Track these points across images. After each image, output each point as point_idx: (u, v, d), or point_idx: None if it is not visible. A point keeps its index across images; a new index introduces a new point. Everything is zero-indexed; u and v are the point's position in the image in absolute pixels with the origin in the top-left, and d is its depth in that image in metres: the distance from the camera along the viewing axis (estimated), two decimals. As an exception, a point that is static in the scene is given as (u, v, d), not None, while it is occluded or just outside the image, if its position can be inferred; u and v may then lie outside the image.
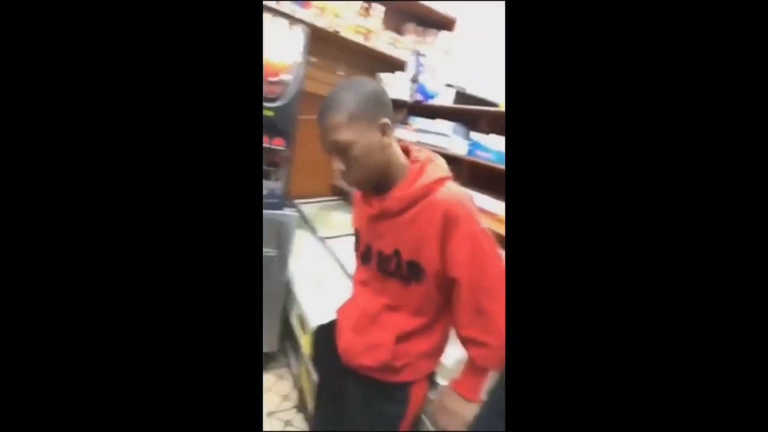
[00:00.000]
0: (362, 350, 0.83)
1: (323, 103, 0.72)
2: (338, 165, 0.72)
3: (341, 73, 1.94)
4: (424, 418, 0.93)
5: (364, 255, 0.86)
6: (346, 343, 0.86)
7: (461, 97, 1.58)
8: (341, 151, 0.70)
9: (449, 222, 0.71)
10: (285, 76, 1.36)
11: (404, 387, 0.83)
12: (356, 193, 0.91)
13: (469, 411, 0.78)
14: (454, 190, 0.74)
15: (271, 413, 1.48)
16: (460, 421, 0.79)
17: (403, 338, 0.80)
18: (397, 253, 0.78)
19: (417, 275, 0.77)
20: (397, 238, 0.78)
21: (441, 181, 0.75)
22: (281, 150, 1.45)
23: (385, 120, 0.72)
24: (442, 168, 0.78)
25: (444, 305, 0.81)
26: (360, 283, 0.90)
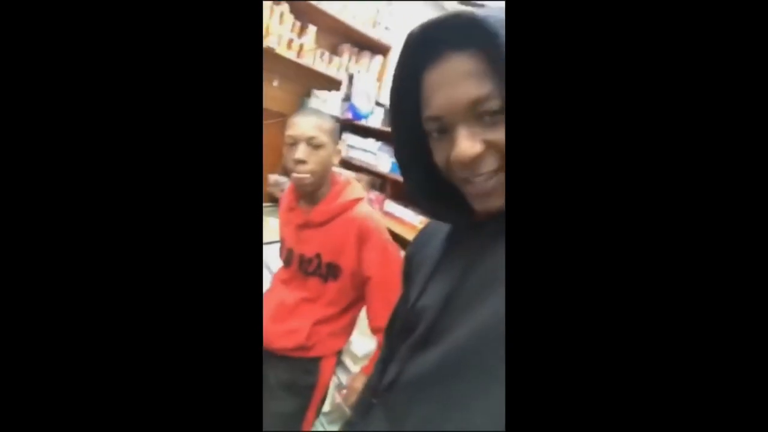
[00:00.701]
0: (280, 335, 0.97)
1: (307, 107, 0.91)
2: (300, 154, 0.86)
3: (276, 84, 2.00)
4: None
5: (287, 258, 1.01)
6: (264, 330, 0.99)
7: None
8: (314, 145, 0.87)
9: (362, 234, 0.91)
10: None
11: (315, 361, 1.00)
12: (281, 206, 1.06)
13: None
14: (366, 209, 0.94)
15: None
16: None
17: (316, 323, 0.97)
18: (318, 256, 0.95)
19: (335, 274, 0.95)
20: (319, 244, 0.95)
21: (356, 201, 0.94)
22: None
23: (340, 148, 0.95)
24: (358, 190, 0.98)
25: (354, 300, 1.00)
26: (280, 280, 1.05)
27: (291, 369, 0.99)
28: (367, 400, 0.52)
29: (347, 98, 1.79)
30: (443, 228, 0.48)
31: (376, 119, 1.80)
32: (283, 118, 2.10)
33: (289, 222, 1.00)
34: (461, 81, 0.35)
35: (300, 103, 2.10)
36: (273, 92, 2.00)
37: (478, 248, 0.39)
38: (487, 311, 0.35)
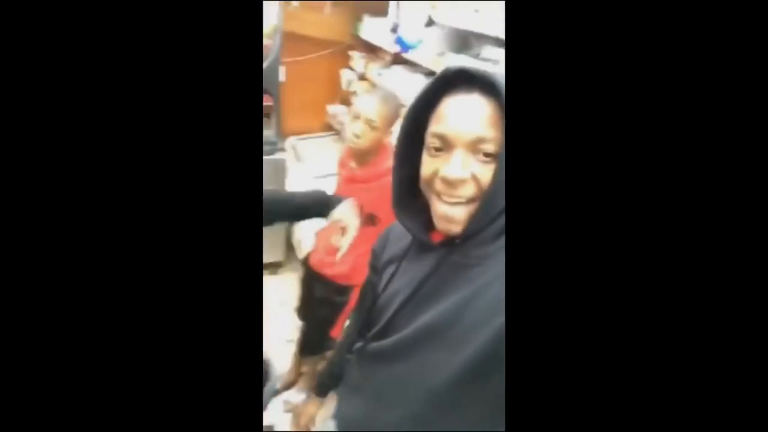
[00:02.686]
0: (328, 264, 1.26)
1: (370, 93, 1.06)
2: (357, 130, 1.05)
3: (327, 12, 1.95)
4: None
5: None
6: (319, 258, 1.30)
7: (449, 36, 1.57)
8: (372, 126, 1.04)
9: None
10: (265, 42, 1.48)
11: (349, 288, 1.29)
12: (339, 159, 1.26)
13: None
14: None
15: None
16: None
17: (356, 259, 1.21)
18: (360, 206, 1.14)
19: (373, 221, 1.15)
20: (362, 198, 1.14)
21: None
22: (269, 105, 1.64)
23: (393, 128, 1.07)
24: None
25: None
26: None
27: (329, 289, 1.31)
28: (342, 355, 0.69)
29: (395, 28, 1.69)
30: (407, 235, 0.54)
31: (427, 49, 1.69)
32: (338, 47, 2.08)
33: (340, 174, 1.23)
34: (475, 115, 0.41)
35: (353, 30, 2.03)
36: (324, 19, 1.96)
37: (431, 267, 0.47)
38: (428, 317, 0.45)
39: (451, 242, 0.46)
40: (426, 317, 0.46)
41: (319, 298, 1.32)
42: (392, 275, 0.55)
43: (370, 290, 0.64)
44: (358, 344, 0.58)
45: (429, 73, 1.63)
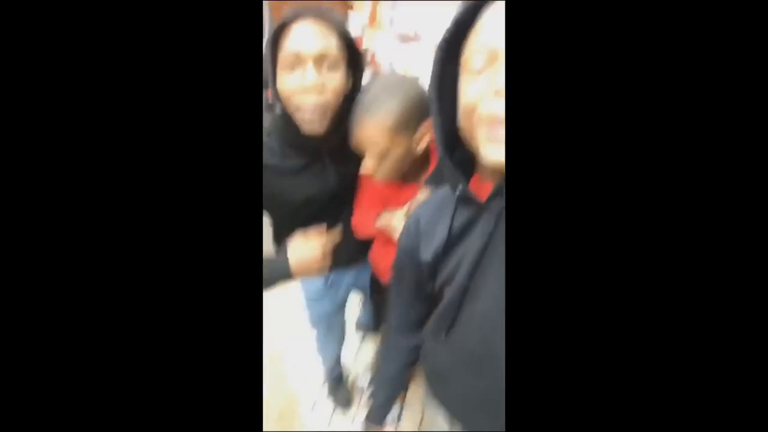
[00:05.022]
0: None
1: (366, 100, 0.67)
2: (369, 161, 0.72)
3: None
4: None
5: None
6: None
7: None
8: (378, 154, 0.70)
9: None
10: None
11: None
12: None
13: None
14: None
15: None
16: None
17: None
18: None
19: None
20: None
21: None
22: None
23: (423, 131, 0.70)
24: None
25: None
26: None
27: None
28: (433, 341, 0.60)
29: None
30: (447, 203, 0.51)
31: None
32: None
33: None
34: None
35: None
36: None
37: (487, 231, 0.45)
38: (499, 283, 0.44)
39: (497, 194, 0.44)
40: (498, 285, 0.45)
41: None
42: (443, 248, 0.51)
43: (413, 259, 0.57)
44: (441, 328, 0.54)
45: None
